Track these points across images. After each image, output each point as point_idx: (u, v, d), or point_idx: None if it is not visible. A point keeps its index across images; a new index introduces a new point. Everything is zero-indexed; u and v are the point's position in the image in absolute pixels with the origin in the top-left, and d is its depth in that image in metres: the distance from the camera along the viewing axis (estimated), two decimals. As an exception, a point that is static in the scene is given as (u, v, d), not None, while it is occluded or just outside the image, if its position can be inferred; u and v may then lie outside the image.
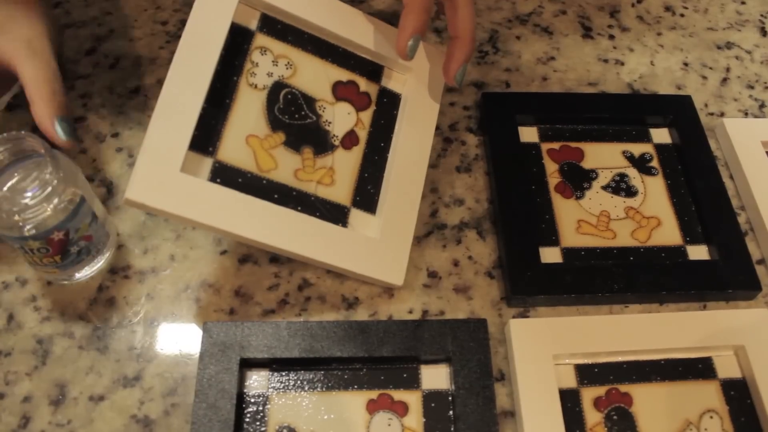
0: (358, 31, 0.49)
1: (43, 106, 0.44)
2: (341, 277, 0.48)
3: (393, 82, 0.51)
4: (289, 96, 0.47)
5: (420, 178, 0.49)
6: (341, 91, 0.49)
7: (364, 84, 0.50)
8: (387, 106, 0.50)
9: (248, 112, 0.45)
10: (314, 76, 0.48)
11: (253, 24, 0.47)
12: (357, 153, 0.48)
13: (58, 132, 0.44)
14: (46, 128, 0.44)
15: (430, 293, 0.48)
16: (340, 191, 0.47)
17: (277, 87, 0.47)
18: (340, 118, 0.48)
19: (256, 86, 0.46)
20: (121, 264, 0.48)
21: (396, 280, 0.46)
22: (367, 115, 0.49)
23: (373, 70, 0.50)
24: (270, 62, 0.47)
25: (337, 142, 0.48)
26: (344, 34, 0.49)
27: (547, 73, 0.61)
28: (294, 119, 0.47)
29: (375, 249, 0.46)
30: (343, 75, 0.49)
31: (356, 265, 0.45)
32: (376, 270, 0.46)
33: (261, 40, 0.47)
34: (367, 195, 0.48)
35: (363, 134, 0.49)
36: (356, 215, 0.47)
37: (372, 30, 0.50)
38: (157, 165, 0.41)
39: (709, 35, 0.65)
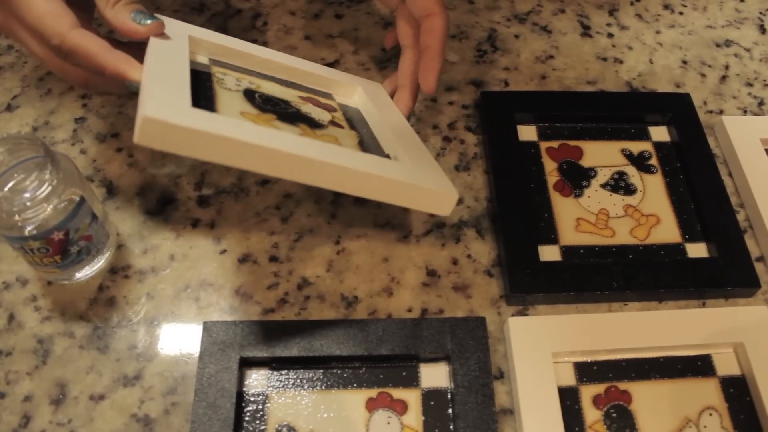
0: (299, 68, 0.52)
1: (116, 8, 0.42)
2: (340, 276, 0.48)
3: (345, 100, 0.53)
4: (264, 96, 0.47)
5: (412, 133, 0.49)
6: (306, 101, 0.50)
7: (322, 100, 0.51)
8: (351, 111, 0.52)
9: (232, 101, 0.44)
10: (278, 90, 0.49)
11: (206, 62, 0.48)
12: (347, 131, 0.48)
13: (144, 26, 0.42)
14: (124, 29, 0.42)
15: (429, 292, 0.48)
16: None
17: (249, 91, 0.47)
18: (316, 113, 0.48)
19: (230, 89, 0.46)
20: (121, 264, 0.48)
21: (449, 189, 0.43)
22: (338, 114, 0.50)
23: (324, 93, 0.52)
24: (234, 79, 0.47)
25: (325, 123, 0.47)
26: (288, 67, 0.51)
27: (546, 72, 0.61)
28: (276, 108, 0.46)
29: (414, 169, 0.43)
30: (302, 93, 0.51)
31: (409, 177, 0.41)
32: (429, 182, 0.42)
33: (217, 70, 0.48)
34: (375, 151, 0.46)
35: (344, 123, 0.49)
36: None
37: (310, 66, 0.53)
38: (168, 95, 0.37)
39: (708, 33, 0.65)
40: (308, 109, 0.48)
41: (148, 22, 0.42)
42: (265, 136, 0.38)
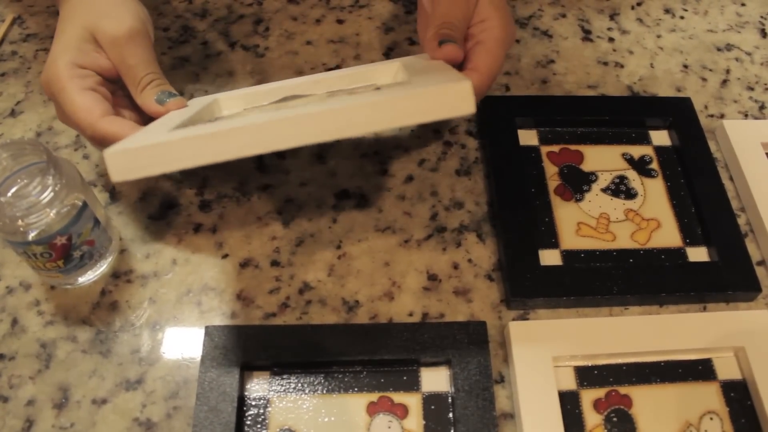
0: (339, 75, 0.50)
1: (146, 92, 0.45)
2: (341, 280, 0.48)
3: (388, 81, 0.50)
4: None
5: (439, 64, 0.45)
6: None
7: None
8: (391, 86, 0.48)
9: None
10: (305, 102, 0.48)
11: (238, 111, 0.48)
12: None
13: (163, 105, 0.45)
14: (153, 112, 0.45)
15: (430, 296, 0.48)
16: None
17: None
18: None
19: None
20: (123, 268, 0.49)
21: (457, 82, 0.36)
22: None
23: (365, 87, 0.49)
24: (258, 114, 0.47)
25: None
26: (326, 79, 0.49)
27: (547, 76, 0.61)
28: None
29: (420, 82, 0.38)
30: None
31: (417, 89, 0.36)
32: (440, 82, 0.36)
33: (246, 113, 0.47)
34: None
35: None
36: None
37: (353, 69, 0.51)
38: (138, 136, 0.38)
39: (708, 37, 0.65)
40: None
41: (167, 100, 0.45)
42: (226, 123, 0.37)
